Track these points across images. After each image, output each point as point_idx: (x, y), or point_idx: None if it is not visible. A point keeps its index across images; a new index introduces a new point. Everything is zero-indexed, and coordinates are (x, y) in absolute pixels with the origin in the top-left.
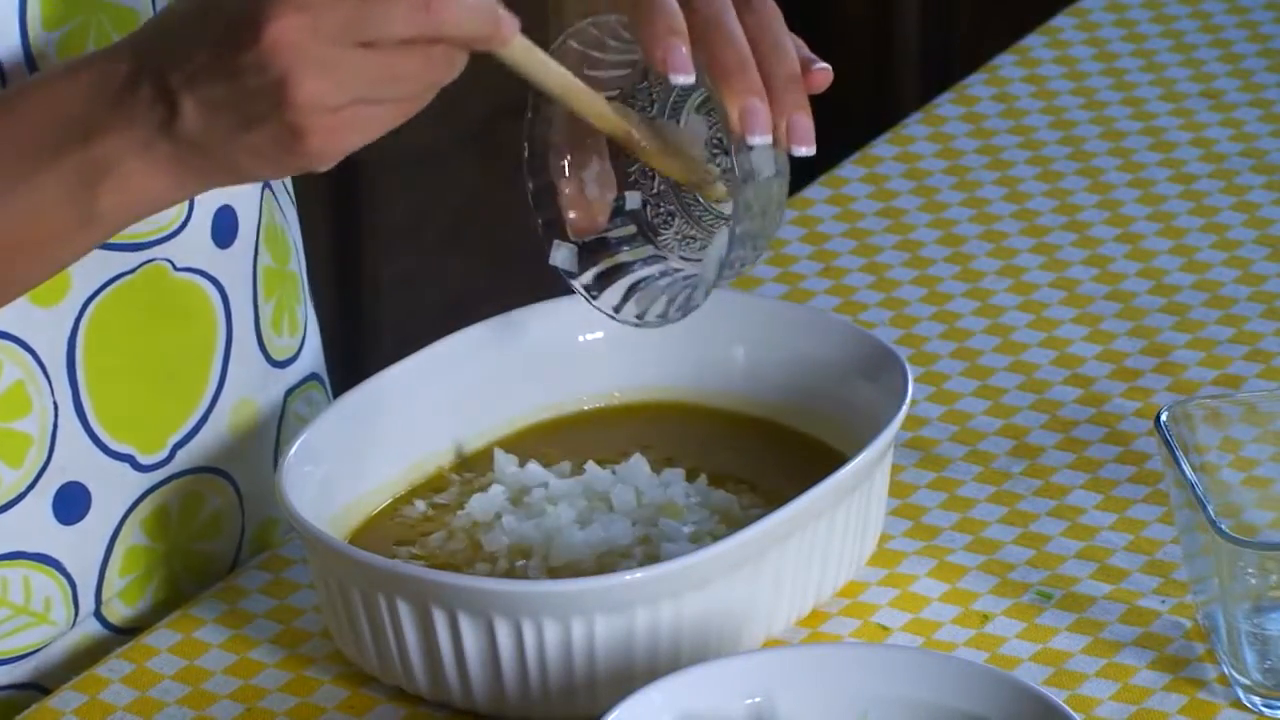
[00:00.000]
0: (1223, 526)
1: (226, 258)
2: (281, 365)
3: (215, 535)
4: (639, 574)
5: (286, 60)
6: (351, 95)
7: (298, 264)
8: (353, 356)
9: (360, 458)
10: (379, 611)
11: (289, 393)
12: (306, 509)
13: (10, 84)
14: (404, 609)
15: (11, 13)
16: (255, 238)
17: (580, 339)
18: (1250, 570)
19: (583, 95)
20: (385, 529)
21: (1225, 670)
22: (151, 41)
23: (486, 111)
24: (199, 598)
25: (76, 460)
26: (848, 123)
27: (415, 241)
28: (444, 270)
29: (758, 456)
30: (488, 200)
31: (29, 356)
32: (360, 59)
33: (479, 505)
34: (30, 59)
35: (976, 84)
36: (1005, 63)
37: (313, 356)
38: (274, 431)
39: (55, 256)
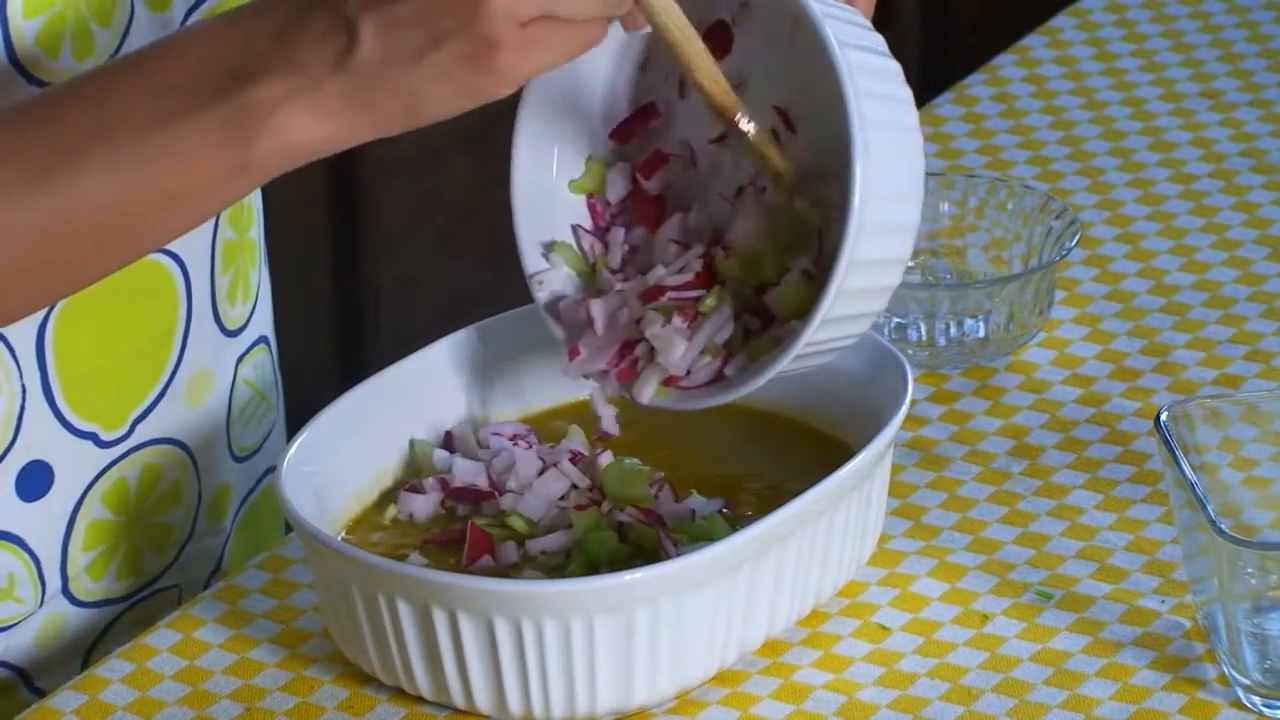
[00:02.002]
0: (1223, 526)
1: (188, 234)
2: (233, 334)
3: (173, 505)
4: (639, 574)
5: None
6: (542, 7)
7: (257, 230)
8: (353, 356)
9: (360, 458)
10: (379, 611)
11: (239, 359)
12: (306, 509)
13: None
14: (404, 609)
15: None
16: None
17: None
18: (1250, 570)
19: (699, 49)
20: (385, 528)
21: (1225, 670)
22: None
23: (485, 111)
24: (198, 598)
25: (42, 440)
26: None
27: (414, 241)
28: (443, 270)
29: (760, 449)
30: (487, 200)
31: (0, 343)
32: None
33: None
34: (10, 47)
35: (976, 84)
36: (1005, 63)
37: (262, 320)
38: (226, 399)
39: (200, 209)
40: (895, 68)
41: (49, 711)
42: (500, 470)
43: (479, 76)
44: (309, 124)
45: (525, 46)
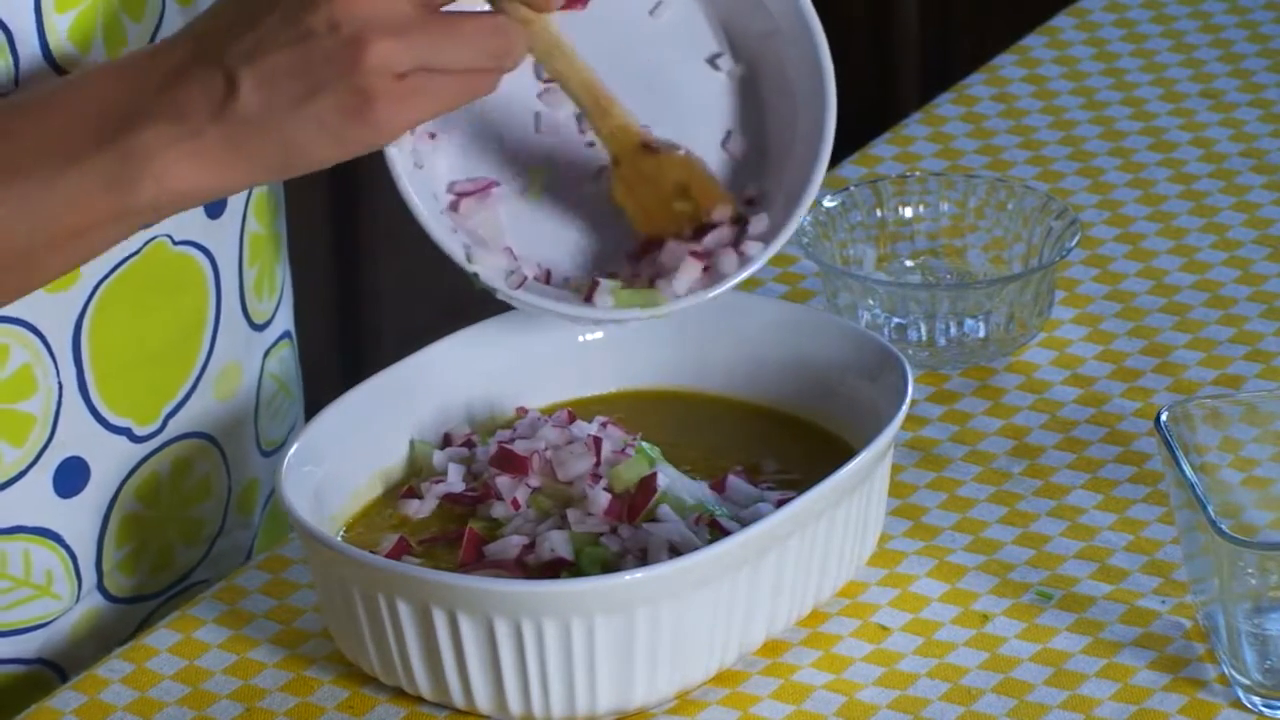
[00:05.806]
0: (1223, 526)
1: (217, 228)
2: (261, 328)
3: (204, 499)
4: (639, 574)
5: (358, 20)
6: (420, 59)
7: (280, 224)
8: (353, 357)
9: (360, 457)
10: (379, 611)
11: (266, 353)
12: (306, 508)
13: (23, 67)
14: (404, 609)
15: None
16: (244, 207)
17: (580, 339)
18: (1250, 570)
19: (599, 96)
20: (384, 528)
21: (1225, 670)
22: (207, 25)
23: None
24: (198, 598)
25: (77, 436)
26: (848, 122)
27: (414, 241)
28: (443, 271)
29: (761, 447)
30: None
31: (37, 340)
32: (429, 20)
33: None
34: (44, 41)
35: (976, 84)
36: (1005, 63)
37: (286, 314)
38: (254, 393)
39: (87, 248)
40: None
41: (49, 711)
42: (480, 470)
43: (356, 129)
44: (189, 171)
45: (403, 98)
